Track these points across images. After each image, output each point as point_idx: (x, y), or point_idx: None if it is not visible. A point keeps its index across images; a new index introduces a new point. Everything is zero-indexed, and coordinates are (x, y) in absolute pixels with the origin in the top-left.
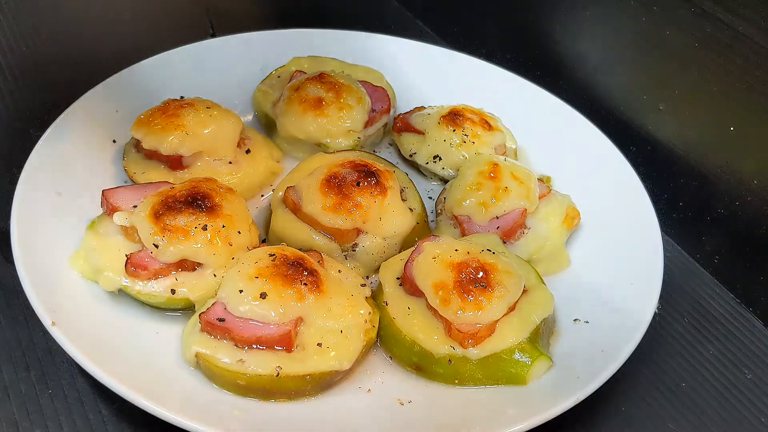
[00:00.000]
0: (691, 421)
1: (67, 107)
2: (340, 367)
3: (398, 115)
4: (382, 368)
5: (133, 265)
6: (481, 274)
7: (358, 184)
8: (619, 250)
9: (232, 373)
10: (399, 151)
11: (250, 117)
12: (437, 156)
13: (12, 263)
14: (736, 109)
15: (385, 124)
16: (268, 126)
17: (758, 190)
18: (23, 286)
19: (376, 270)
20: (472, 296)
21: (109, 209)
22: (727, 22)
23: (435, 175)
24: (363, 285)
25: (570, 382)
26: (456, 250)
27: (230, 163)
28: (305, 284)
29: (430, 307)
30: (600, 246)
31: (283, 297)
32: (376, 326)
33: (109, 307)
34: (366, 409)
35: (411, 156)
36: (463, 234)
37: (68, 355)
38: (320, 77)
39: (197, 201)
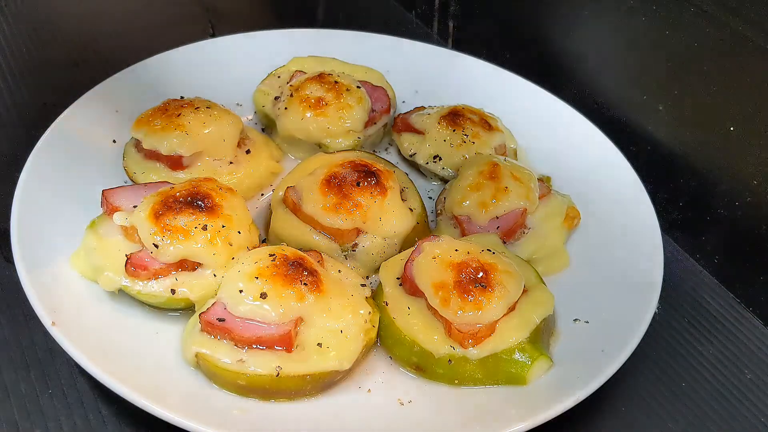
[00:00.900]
0: (691, 421)
1: (67, 107)
2: (340, 367)
3: (398, 115)
4: (382, 368)
5: (133, 265)
6: (481, 274)
7: (358, 184)
8: (619, 250)
9: (232, 373)
10: (399, 151)
11: (250, 117)
12: (437, 156)
13: (12, 263)
14: (736, 109)
15: (385, 124)
16: (268, 126)
17: (758, 190)
18: (23, 286)
19: (376, 270)
20: (472, 296)
21: (109, 209)
22: (727, 22)
23: (435, 175)
24: (363, 285)
25: (570, 382)
26: (456, 250)
27: (230, 163)
28: (305, 284)
29: (430, 307)
30: (600, 246)
31: (283, 297)
32: (376, 326)
33: (109, 307)
34: (366, 409)
35: (411, 156)
36: (463, 234)
37: (68, 355)
38: (320, 77)
39: (197, 201)
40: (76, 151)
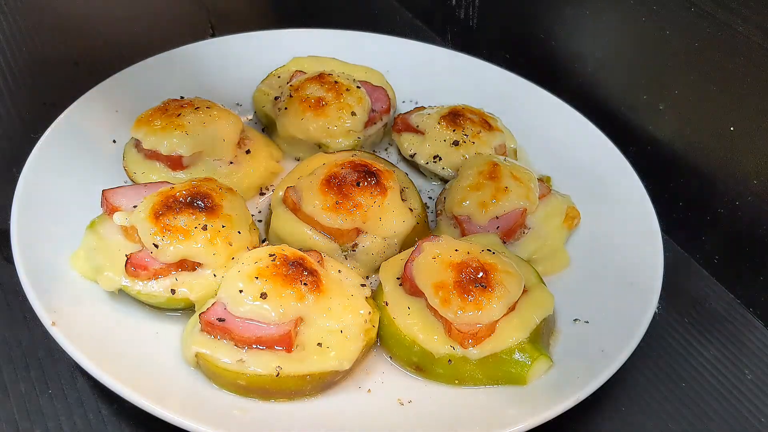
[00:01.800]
0: (691, 421)
1: (67, 107)
2: (340, 367)
3: (398, 115)
4: (382, 368)
5: (133, 265)
6: (481, 274)
7: (358, 184)
8: (619, 250)
9: (232, 373)
10: (399, 151)
11: (250, 117)
12: (437, 156)
13: (12, 263)
14: (736, 109)
15: (385, 124)
16: (268, 126)
17: (758, 190)
18: (23, 286)
19: (376, 270)
20: (472, 296)
21: (109, 209)
22: (727, 22)
23: (435, 175)
24: (363, 285)
25: (570, 382)
26: (456, 250)
27: (230, 163)
28: (305, 284)
29: (430, 307)
30: (600, 246)
31: (283, 297)
32: (376, 326)
33: (109, 307)
34: (366, 409)
35: (411, 156)
36: (463, 234)
37: (68, 355)
38: (320, 77)
39: (197, 201)
40: (76, 151)
